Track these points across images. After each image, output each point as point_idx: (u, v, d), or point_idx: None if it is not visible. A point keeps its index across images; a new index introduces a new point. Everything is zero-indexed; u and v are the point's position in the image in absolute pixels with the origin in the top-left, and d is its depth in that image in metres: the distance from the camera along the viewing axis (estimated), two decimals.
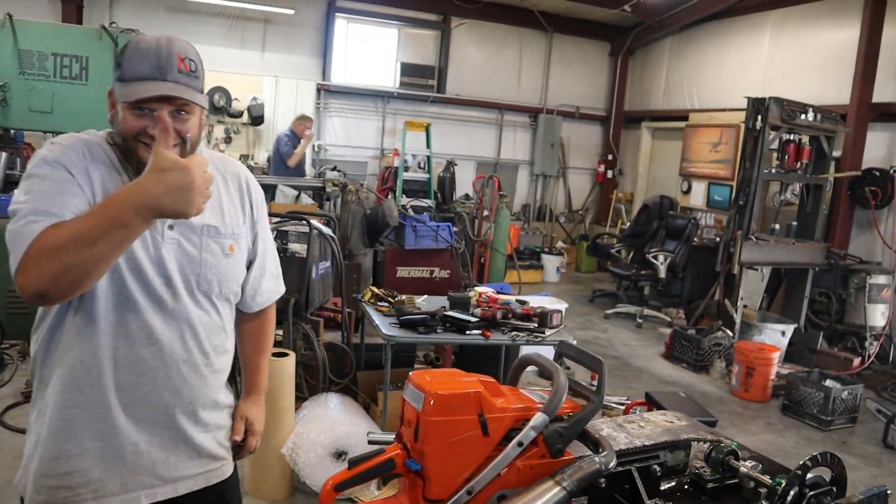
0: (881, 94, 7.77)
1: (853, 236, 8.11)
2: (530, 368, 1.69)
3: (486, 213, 8.05)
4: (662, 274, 8.09)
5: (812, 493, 1.52)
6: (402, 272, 6.10)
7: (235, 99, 9.60)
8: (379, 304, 4.17)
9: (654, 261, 8.08)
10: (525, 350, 5.47)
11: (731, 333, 6.72)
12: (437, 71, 11.25)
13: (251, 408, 1.91)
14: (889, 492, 1.60)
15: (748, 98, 6.76)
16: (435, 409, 1.36)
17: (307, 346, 4.24)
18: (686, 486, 1.74)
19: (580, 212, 12.28)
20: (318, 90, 10.42)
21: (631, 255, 8.90)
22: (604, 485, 1.54)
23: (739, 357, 6.11)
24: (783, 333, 6.83)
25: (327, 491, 1.37)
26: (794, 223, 7.47)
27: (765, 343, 6.49)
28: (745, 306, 6.98)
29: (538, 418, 1.41)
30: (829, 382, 5.69)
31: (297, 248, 4.12)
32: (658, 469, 1.62)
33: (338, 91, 10.66)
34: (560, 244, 11.51)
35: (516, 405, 1.44)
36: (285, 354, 3.68)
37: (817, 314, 7.54)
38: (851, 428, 5.63)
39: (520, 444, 1.39)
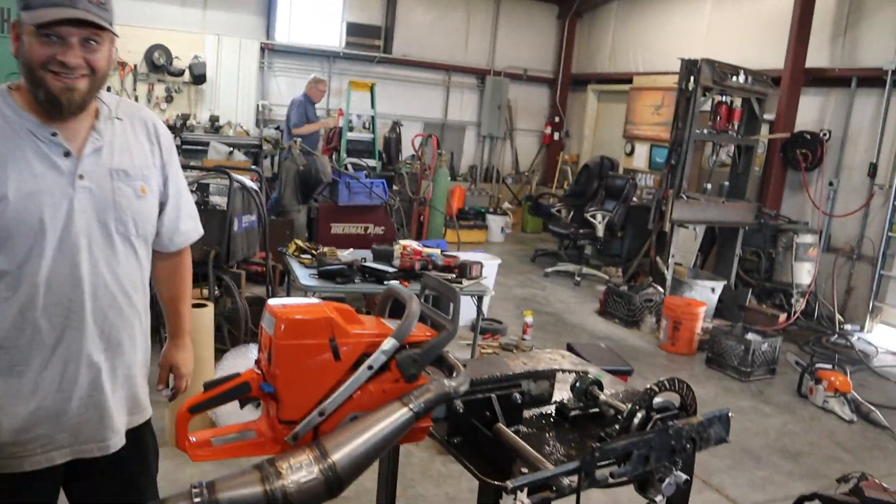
0: (815, 60, 7.93)
1: (785, 197, 8.33)
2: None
3: (426, 171, 8.07)
4: (601, 233, 8.22)
5: (659, 416, 1.60)
6: (337, 228, 6.11)
7: (176, 57, 9.39)
8: (302, 256, 4.19)
9: (593, 220, 8.21)
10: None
11: (662, 290, 6.89)
12: (383, 31, 11.12)
13: (176, 353, 2.03)
14: (731, 414, 1.70)
15: (681, 60, 6.86)
16: (286, 333, 1.39)
17: (229, 298, 4.24)
18: (550, 415, 1.82)
19: (527, 173, 12.37)
20: (262, 49, 10.24)
21: (571, 215, 9.03)
22: (462, 410, 1.61)
23: (667, 312, 6.29)
24: (713, 290, 7.03)
25: (182, 413, 1.41)
26: (727, 183, 7.64)
27: (694, 299, 6.68)
28: (677, 264, 7.15)
29: (388, 343, 1.45)
30: (750, 336, 5.90)
31: (218, 200, 4.11)
32: (519, 397, 1.70)
33: (282, 51, 10.48)
34: (506, 205, 11.59)
35: (370, 331, 1.48)
36: (204, 305, 3.69)
37: (747, 272, 7.77)
38: (770, 379, 5.85)
39: (370, 367, 1.44)
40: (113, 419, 1.75)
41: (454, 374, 1.52)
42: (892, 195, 7.26)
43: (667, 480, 1.57)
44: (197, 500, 1.24)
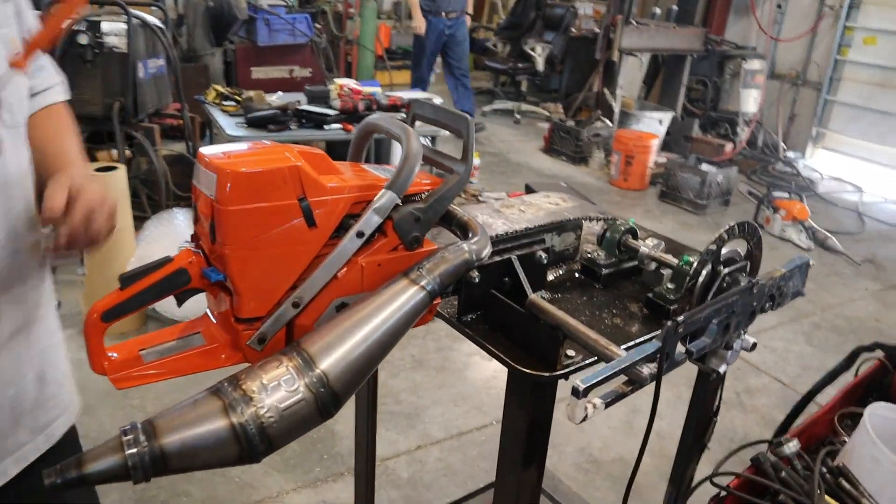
0: None
1: (730, 22, 7.92)
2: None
3: (350, 8, 7.26)
4: (541, 66, 7.71)
5: (727, 269, 1.25)
6: (258, 73, 5.41)
7: None
8: (224, 104, 3.59)
9: (532, 52, 7.66)
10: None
11: (610, 123, 6.54)
12: None
13: (66, 176, 1.20)
14: (812, 262, 1.36)
15: None
16: (235, 193, 0.94)
17: (144, 158, 3.65)
18: (577, 274, 1.45)
19: None
20: None
21: (508, 49, 8.43)
22: (477, 279, 1.22)
23: (618, 146, 5.97)
24: (661, 122, 6.73)
25: (93, 322, 0.96)
26: (675, 7, 7.15)
27: (643, 131, 6.37)
28: (623, 95, 6.77)
29: (383, 197, 1.02)
30: (705, 167, 5.68)
31: (116, 41, 3.40)
32: (544, 256, 1.31)
33: None
34: None
35: (354, 183, 1.04)
36: (114, 168, 3.12)
37: (693, 102, 7.48)
38: (725, 210, 5.71)
39: (360, 234, 1.01)
40: None
41: (469, 235, 1.11)
42: (842, 16, 6.95)
43: (735, 345, 1.25)
44: (131, 450, 0.83)
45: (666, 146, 6.85)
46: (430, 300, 1.03)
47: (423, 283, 1.01)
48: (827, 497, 1.14)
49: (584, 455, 2.72)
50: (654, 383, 1.03)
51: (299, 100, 3.53)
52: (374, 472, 1.92)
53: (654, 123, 6.68)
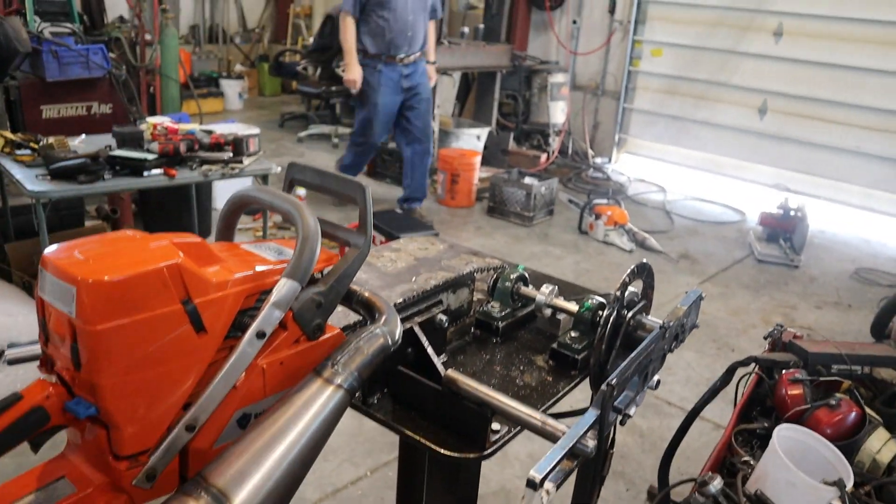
0: None
1: (532, 38, 8.29)
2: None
3: (147, 35, 6.77)
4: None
5: (630, 313, 1.22)
6: (50, 111, 4.84)
7: None
8: (17, 153, 3.15)
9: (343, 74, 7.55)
10: (223, 188, 4.78)
11: None
12: None
13: None
14: (703, 295, 1.38)
15: None
16: (102, 308, 0.75)
17: None
18: (473, 330, 1.37)
19: (256, 30, 11.14)
20: None
21: (318, 72, 8.26)
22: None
23: (443, 165, 6.02)
24: (478, 137, 6.88)
25: None
26: (482, 26, 7.36)
27: (464, 148, 6.47)
28: (441, 114, 6.85)
29: (284, 287, 0.87)
30: (527, 180, 5.86)
31: None
32: (444, 319, 1.21)
33: None
34: (239, 67, 10.42)
35: (243, 272, 0.89)
36: None
37: (506, 116, 7.73)
38: (550, 220, 5.93)
39: (260, 334, 0.86)
40: None
41: (376, 315, 0.99)
42: (630, 30, 7.49)
43: (645, 387, 1.23)
44: None
45: (485, 161, 7.01)
46: (349, 399, 0.90)
47: (338, 381, 0.88)
48: None
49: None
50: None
51: (109, 144, 3.18)
52: None
53: (473, 139, 6.82)
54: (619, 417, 1.22)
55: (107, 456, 0.82)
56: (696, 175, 7.31)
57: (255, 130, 3.65)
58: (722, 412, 3.22)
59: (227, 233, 1.09)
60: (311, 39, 8.96)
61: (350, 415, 2.78)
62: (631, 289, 1.26)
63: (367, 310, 1.00)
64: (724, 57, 6.97)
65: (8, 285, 3.23)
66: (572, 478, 1.22)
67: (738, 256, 5.46)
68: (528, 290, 1.37)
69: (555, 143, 7.55)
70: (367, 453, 2.77)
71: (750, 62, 6.82)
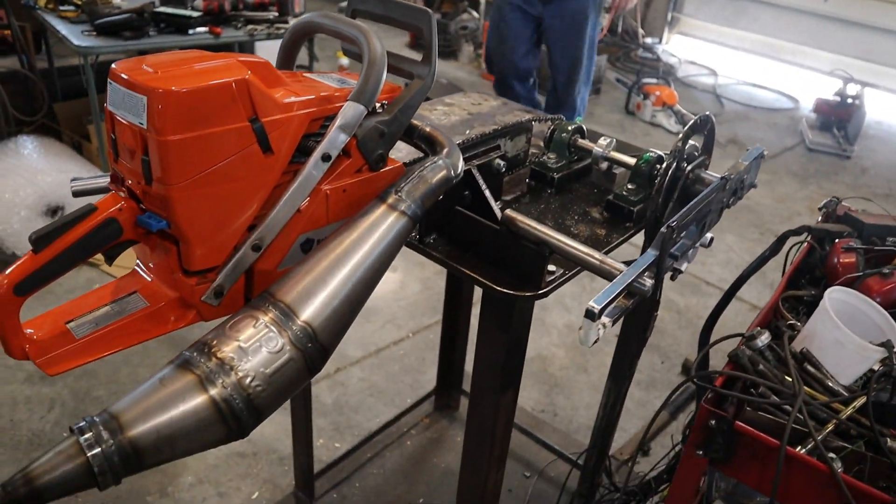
0: None
1: None
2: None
3: None
4: None
5: (689, 166, 1.19)
6: None
7: None
8: (62, 9, 3.12)
9: None
10: (265, 49, 4.70)
11: (477, 15, 6.37)
12: None
13: None
14: (765, 151, 1.34)
15: None
16: (174, 119, 0.75)
17: None
18: (528, 180, 1.36)
19: None
20: None
21: None
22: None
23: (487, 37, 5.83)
24: None
25: (5, 295, 0.76)
26: None
27: None
28: None
29: (350, 110, 0.86)
30: None
31: None
32: (502, 164, 1.20)
33: None
34: None
35: (309, 96, 0.87)
36: None
37: None
38: (596, 98, 5.77)
39: (326, 156, 0.86)
40: None
41: (438, 149, 0.98)
42: None
43: (699, 242, 1.22)
44: (94, 451, 0.67)
45: None
46: (413, 226, 0.91)
47: (402, 207, 0.89)
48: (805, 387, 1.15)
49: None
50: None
51: (153, 1, 3.13)
52: (310, 416, 1.82)
53: None
54: (671, 272, 1.22)
55: (177, 272, 0.84)
56: (751, 59, 6.99)
57: None
58: (760, 295, 3.22)
59: (286, 62, 1.07)
60: None
61: (393, 279, 2.83)
62: (692, 142, 1.23)
63: (429, 144, 0.99)
64: None
65: (59, 144, 3.27)
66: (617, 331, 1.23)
67: (789, 144, 5.29)
68: (585, 143, 1.34)
69: (604, 20, 7.23)
70: (409, 316, 2.84)
71: None
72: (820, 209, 1.74)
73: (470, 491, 1.33)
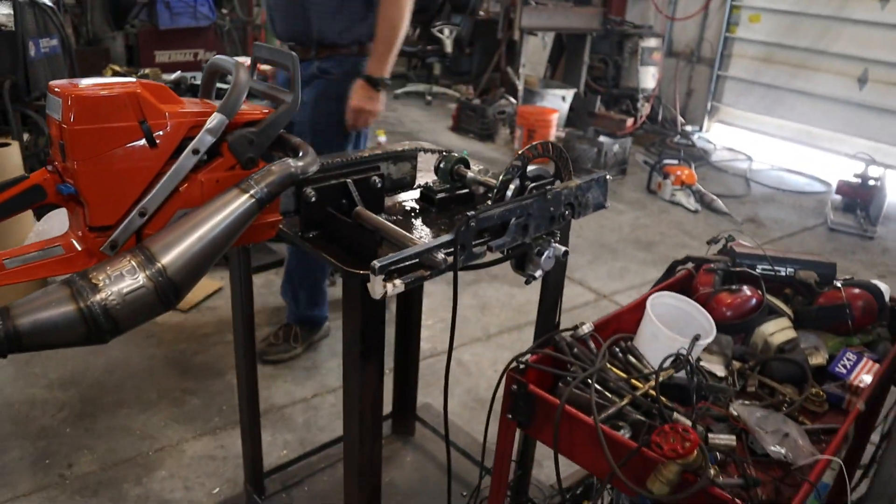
0: None
1: (630, 3, 8.30)
2: None
3: None
4: (449, 48, 7.92)
5: (534, 184, 1.47)
6: (161, 56, 5.44)
7: None
8: None
9: (440, 35, 7.86)
10: None
11: (514, 101, 6.81)
12: None
13: None
14: (609, 177, 1.60)
15: None
16: (79, 114, 1.09)
17: (41, 136, 3.70)
18: (414, 200, 1.65)
19: None
20: None
21: (417, 32, 8.61)
22: (314, 199, 1.40)
23: (521, 121, 6.23)
24: (563, 98, 7.02)
25: None
26: None
27: (545, 107, 6.65)
28: (527, 74, 7.05)
29: (214, 119, 1.19)
30: (602, 139, 5.98)
31: (3, 20, 3.43)
32: (379, 181, 1.50)
33: None
34: None
35: (191, 110, 1.21)
36: (7, 145, 3.17)
37: (596, 80, 7.80)
38: (622, 179, 6.03)
39: (195, 150, 1.18)
40: None
41: (300, 154, 1.29)
42: None
43: (546, 253, 1.47)
44: None
45: (570, 122, 7.15)
46: (259, 207, 1.21)
47: (251, 191, 1.19)
48: (608, 364, 1.37)
49: (471, 395, 2.94)
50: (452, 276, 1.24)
51: (195, 75, 3.64)
52: (258, 414, 2.08)
53: (558, 100, 6.97)
54: (526, 278, 1.48)
55: (83, 228, 1.17)
56: (789, 146, 7.15)
57: None
58: None
59: (206, 93, 1.42)
60: None
61: None
62: (545, 168, 1.50)
63: (293, 151, 1.30)
64: (825, 23, 6.77)
65: None
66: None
67: (810, 224, 5.40)
68: (464, 170, 1.63)
69: (643, 108, 7.57)
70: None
71: (852, 29, 6.60)
72: (708, 242, 1.97)
73: (352, 460, 1.57)
